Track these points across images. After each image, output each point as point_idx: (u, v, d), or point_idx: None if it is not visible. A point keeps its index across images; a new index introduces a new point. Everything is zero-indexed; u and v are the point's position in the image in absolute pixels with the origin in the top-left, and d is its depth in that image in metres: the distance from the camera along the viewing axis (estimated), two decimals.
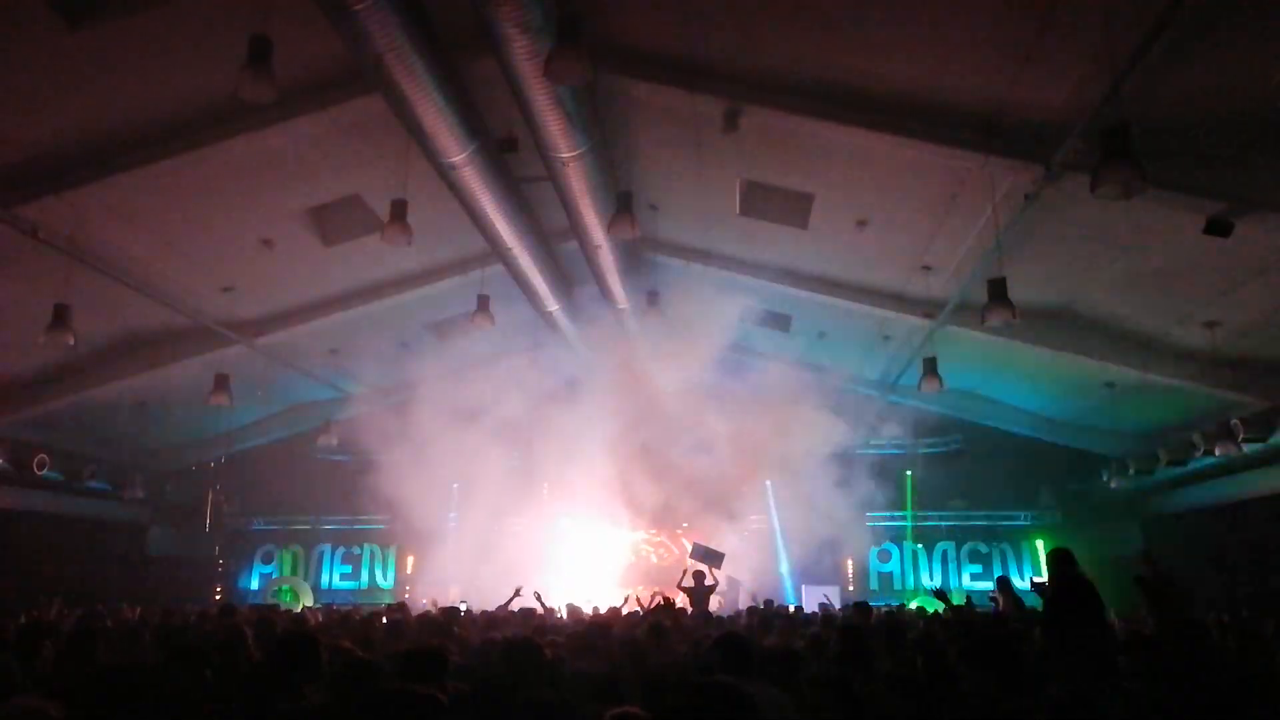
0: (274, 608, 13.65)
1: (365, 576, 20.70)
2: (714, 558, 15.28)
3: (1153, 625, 6.74)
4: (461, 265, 13.60)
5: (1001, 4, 7.36)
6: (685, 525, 18.49)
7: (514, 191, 10.62)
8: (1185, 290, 10.53)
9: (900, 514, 19.31)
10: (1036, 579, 7.91)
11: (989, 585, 17.00)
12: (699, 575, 14.14)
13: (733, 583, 17.02)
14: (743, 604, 15.08)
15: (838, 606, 13.53)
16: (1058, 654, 6.09)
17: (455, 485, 19.08)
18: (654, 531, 19.43)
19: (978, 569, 19.10)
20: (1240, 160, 7.94)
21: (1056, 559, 6.96)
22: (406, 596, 17.64)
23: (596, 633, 6.18)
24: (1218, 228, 8.28)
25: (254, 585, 20.34)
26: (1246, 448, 12.42)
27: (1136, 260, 10.20)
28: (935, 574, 19.35)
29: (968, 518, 19.41)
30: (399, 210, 9.46)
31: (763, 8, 8.12)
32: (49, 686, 4.07)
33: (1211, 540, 14.87)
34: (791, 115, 9.17)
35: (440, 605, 12.76)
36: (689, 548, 15.51)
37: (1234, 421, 12.43)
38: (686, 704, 2.55)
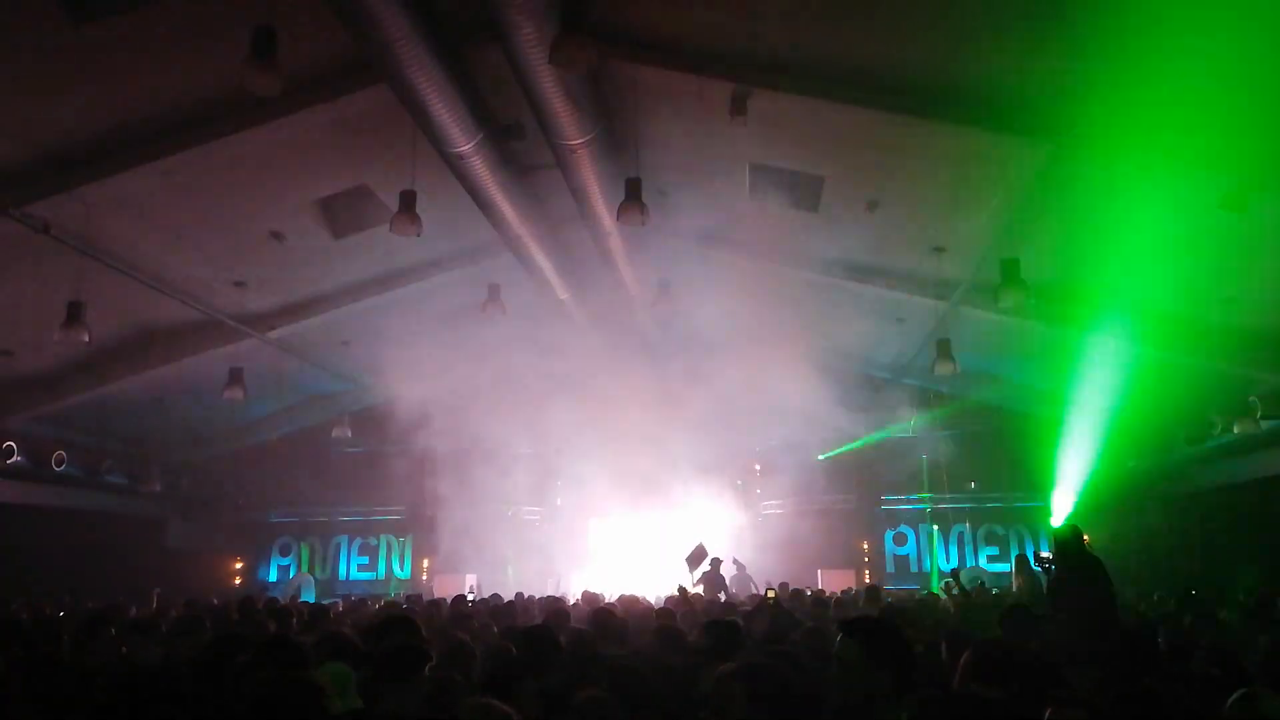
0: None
1: (382, 567, 20.83)
2: (704, 558, 15.02)
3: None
4: (472, 255, 13.59)
5: None
6: (697, 511, 18.46)
7: (522, 179, 10.58)
8: (1201, 266, 10.40)
9: (916, 497, 19.25)
10: (1041, 554, 7.99)
11: (1005, 567, 17.04)
12: (711, 576, 14.08)
13: (740, 569, 16.94)
14: (753, 589, 14.97)
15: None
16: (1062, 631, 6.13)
17: (472, 474, 19.14)
18: (664, 514, 19.41)
19: (994, 550, 19.08)
20: (1257, 132, 7.82)
21: (1065, 536, 7.09)
22: (424, 586, 17.76)
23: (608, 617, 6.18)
24: (1233, 201, 8.18)
25: (272, 577, 20.48)
26: (1265, 425, 12.29)
27: (1151, 236, 10.07)
28: (952, 557, 19.31)
29: (984, 499, 19.36)
30: (407, 201, 9.45)
31: None
32: None
33: (1232, 518, 14.74)
34: (801, 98, 9.07)
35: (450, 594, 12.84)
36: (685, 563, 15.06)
37: (1252, 399, 12.31)
38: None
